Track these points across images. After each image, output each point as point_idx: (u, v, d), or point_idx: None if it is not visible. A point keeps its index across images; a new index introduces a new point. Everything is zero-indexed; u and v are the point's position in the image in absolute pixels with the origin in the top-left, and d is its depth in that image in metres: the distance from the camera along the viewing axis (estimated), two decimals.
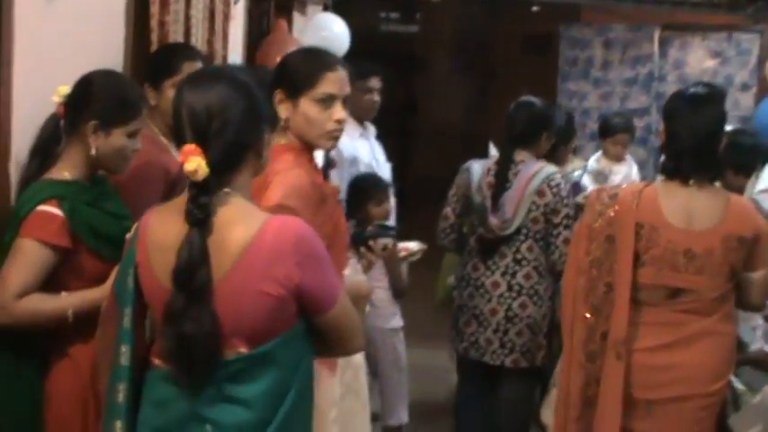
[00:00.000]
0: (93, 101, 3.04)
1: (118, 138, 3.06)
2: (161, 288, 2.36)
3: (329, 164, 4.86)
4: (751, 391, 4.00)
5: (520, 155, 4.75)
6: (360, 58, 5.67)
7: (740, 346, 3.93)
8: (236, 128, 2.35)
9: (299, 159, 3.14)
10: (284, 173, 3.03)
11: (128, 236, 2.55)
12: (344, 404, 3.39)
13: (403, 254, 4.74)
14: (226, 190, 2.35)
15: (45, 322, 2.90)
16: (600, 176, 6.64)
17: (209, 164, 2.28)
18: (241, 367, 2.35)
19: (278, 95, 3.12)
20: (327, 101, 3.12)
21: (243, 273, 2.32)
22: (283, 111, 3.12)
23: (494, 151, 6.42)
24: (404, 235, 5.45)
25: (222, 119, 2.33)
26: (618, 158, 6.82)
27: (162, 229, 2.40)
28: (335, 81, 3.13)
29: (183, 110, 2.35)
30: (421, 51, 14.46)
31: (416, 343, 6.23)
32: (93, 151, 3.02)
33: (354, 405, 3.52)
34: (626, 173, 6.88)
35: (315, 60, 3.18)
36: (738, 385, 4.04)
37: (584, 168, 6.62)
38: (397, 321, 5.45)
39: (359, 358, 3.52)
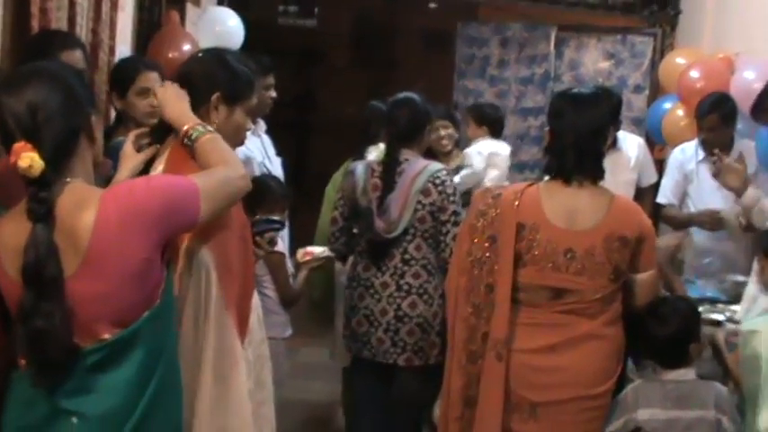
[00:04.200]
0: None
1: None
2: (17, 288, 2.35)
3: None
4: None
5: (404, 154, 4.68)
6: (257, 51, 5.52)
7: None
8: (62, 115, 2.38)
9: None
10: None
11: None
12: (254, 397, 3.34)
13: (306, 258, 4.64)
14: (66, 180, 2.39)
15: None
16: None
17: (43, 157, 2.30)
18: (104, 354, 2.38)
19: (214, 100, 3.03)
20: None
21: (99, 252, 2.35)
22: (216, 116, 3.03)
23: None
24: (303, 232, 5.35)
25: (46, 110, 2.36)
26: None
27: (11, 231, 2.39)
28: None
29: (5, 113, 2.36)
30: (319, 45, 14.39)
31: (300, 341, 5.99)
32: None
33: (261, 396, 3.46)
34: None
35: (252, 68, 3.19)
36: None
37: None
38: (288, 330, 4.91)
39: (266, 351, 3.47)
